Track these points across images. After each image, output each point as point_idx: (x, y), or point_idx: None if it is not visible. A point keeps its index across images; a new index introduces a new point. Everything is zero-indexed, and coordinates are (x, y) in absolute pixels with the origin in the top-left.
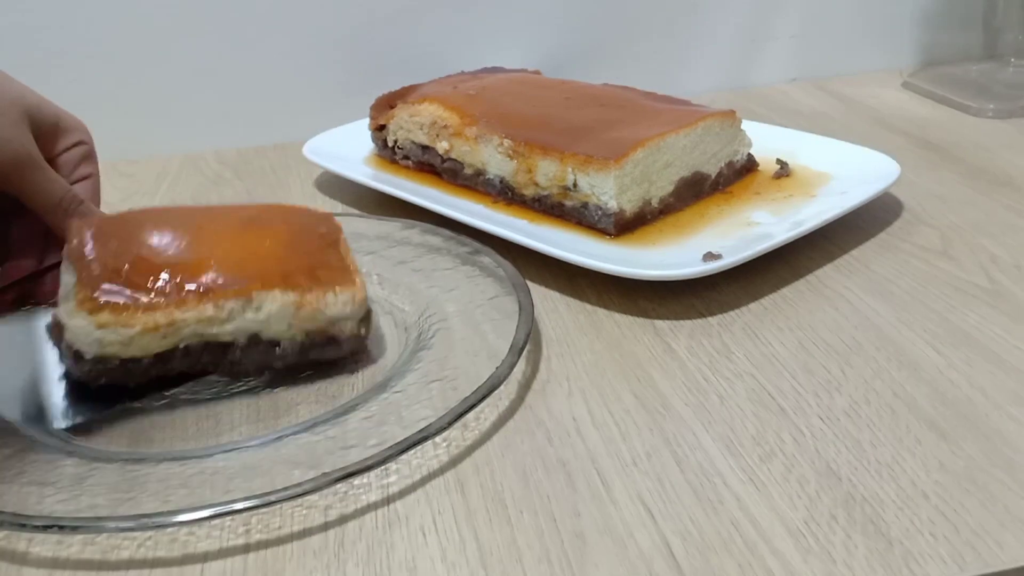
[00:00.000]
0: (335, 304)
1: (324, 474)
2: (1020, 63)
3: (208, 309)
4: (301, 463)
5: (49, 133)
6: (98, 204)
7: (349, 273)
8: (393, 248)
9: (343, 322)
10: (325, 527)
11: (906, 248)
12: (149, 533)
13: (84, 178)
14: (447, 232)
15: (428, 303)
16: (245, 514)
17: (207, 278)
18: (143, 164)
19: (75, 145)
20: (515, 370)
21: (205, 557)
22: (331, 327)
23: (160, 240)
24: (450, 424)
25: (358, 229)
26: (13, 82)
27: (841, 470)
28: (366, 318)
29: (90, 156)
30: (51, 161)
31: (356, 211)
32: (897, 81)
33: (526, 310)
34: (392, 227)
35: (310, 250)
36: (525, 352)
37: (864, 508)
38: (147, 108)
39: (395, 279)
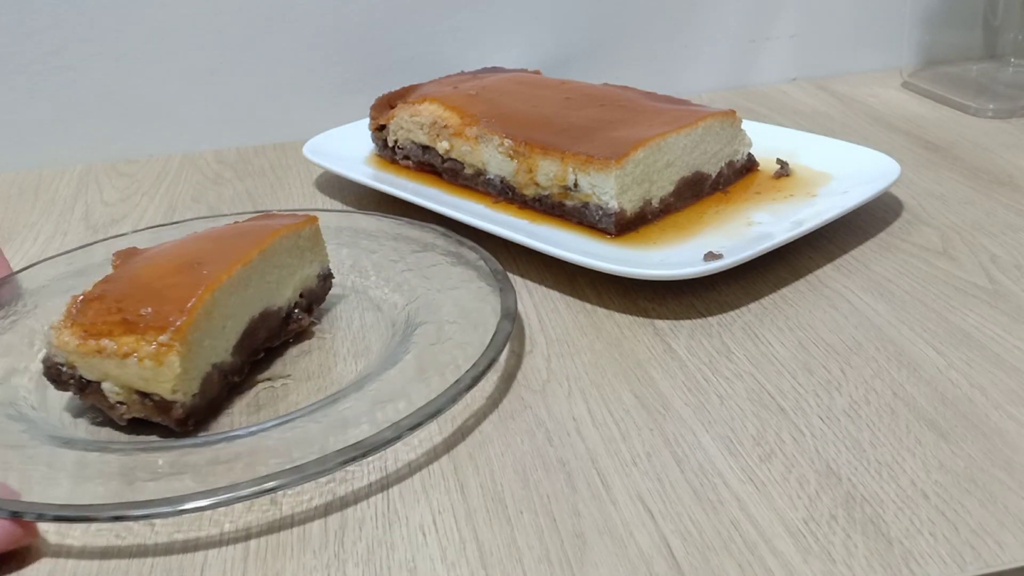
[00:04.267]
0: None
1: (297, 467)
2: (1020, 63)
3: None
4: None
5: None
6: None
7: (133, 324)
8: (388, 243)
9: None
10: (325, 527)
11: (906, 248)
12: (148, 528)
13: None
14: (441, 229)
15: (416, 299)
16: (244, 513)
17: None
18: (143, 164)
19: None
20: (515, 370)
21: (205, 556)
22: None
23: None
24: (419, 426)
25: (358, 225)
26: None
27: (841, 470)
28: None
29: None
30: None
31: (356, 211)
32: (897, 81)
33: (504, 325)
34: (389, 224)
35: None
36: (524, 352)
37: (864, 508)
38: (147, 108)
39: (388, 275)
